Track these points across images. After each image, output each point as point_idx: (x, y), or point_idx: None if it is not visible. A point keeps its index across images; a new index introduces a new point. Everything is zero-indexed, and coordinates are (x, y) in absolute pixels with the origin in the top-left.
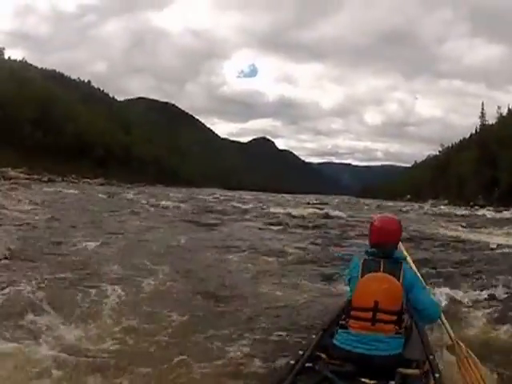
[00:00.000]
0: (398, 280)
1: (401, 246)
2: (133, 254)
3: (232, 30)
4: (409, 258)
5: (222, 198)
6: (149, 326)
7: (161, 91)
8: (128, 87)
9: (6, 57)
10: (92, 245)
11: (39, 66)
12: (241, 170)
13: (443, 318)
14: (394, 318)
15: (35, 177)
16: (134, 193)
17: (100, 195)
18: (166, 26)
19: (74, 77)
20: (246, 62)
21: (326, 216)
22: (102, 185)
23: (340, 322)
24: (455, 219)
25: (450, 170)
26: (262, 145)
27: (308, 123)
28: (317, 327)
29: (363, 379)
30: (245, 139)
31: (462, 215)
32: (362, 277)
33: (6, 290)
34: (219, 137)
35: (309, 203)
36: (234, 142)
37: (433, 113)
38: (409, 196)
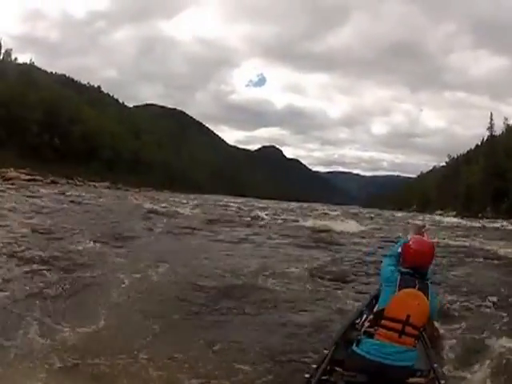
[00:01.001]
0: (427, 299)
1: None
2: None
3: (241, 40)
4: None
5: (232, 205)
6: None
7: (170, 98)
8: (138, 94)
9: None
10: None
11: (49, 71)
12: (249, 177)
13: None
14: (417, 333)
15: (38, 178)
16: (139, 196)
17: (100, 199)
18: (177, 34)
19: (84, 82)
20: (255, 71)
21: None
22: (108, 188)
23: (366, 330)
24: (477, 232)
25: (458, 181)
26: (271, 153)
27: (315, 132)
28: (328, 342)
29: None
30: (253, 147)
31: (480, 227)
32: (398, 291)
33: None
34: (228, 144)
35: (326, 213)
36: (242, 149)
37: (437, 124)
38: (415, 206)
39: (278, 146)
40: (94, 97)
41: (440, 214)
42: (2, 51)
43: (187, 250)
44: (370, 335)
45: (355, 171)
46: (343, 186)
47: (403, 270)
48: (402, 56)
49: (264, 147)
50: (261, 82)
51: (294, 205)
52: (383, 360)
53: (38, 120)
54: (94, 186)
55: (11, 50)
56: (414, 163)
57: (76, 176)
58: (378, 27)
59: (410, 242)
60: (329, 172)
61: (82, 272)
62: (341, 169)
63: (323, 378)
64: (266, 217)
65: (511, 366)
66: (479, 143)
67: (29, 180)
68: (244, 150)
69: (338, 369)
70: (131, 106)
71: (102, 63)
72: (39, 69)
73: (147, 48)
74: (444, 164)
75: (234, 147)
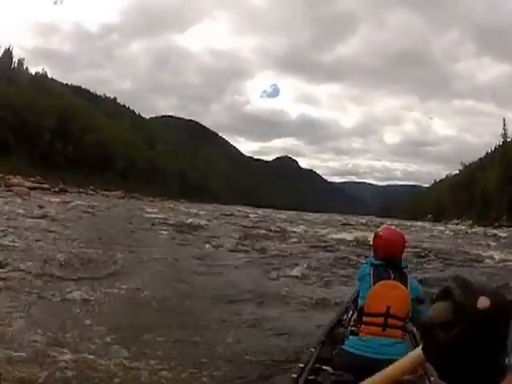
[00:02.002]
0: (406, 288)
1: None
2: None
3: (254, 51)
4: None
5: (255, 216)
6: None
7: (185, 109)
8: (153, 105)
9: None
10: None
11: (64, 82)
12: (265, 187)
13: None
14: (402, 323)
15: (45, 186)
16: (152, 206)
17: (100, 208)
18: (190, 46)
19: (99, 93)
20: (269, 82)
21: None
22: (122, 198)
23: (350, 329)
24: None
25: (473, 189)
26: (286, 163)
27: (329, 142)
28: (315, 340)
29: None
30: (268, 158)
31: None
32: (373, 284)
33: None
34: (244, 155)
35: (347, 224)
36: (258, 160)
37: (447, 132)
38: (430, 216)
39: (292, 157)
40: (110, 107)
41: (457, 224)
42: (15, 60)
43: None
44: (355, 333)
45: (369, 181)
46: (357, 195)
47: (375, 262)
48: (409, 65)
49: (279, 158)
50: (274, 92)
51: (313, 216)
52: (372, 355)
53: (50, 128)
54: (106, 195)
55: (23, 59)
56: (426, 172)
57: (88, 185)
58: (385, 36)
59: (380, 233)
60: (343, 182)
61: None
62: (355, 178)
63: (310, 377)
64: (299, 231)
65: None
66: (489, 150)
67: (34, 188)
68: (260, 160)
69: (325, 367)
70: (147, 117)
71: (117, 75)
72: (53, 79)
73: (162, 60)
74: (457, 172)
75: (250, 158)
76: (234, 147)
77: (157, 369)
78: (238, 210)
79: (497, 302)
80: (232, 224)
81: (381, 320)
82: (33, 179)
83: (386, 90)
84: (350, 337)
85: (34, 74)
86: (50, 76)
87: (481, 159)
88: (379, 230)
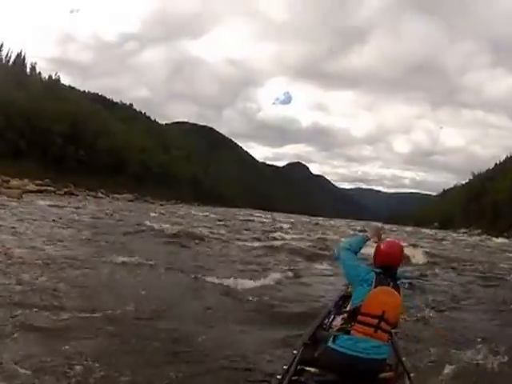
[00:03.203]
0: (400, 297)
1: None
2: None
3: (267, 59)
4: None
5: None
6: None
7: (200, 116)
8: (169, 112)
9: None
10: None
11: (81, 89)
12: (277, 192)
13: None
14: (391, 328)
15: (50, 189)
16: (158, 210)
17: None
18: (204, 54)
19: (116, 100)
20: (281, 89)
21: None
22: (131, 201)
23: (341, 327)
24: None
25: (483, 199)
26: (297, 169)
27: (340, 149)
28: (298, 343)
29: None
30: (280, 163)
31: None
32: (374, 288)
33: None
34: (256, 160)
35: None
36: (270, 165)
37: (456, 142)
38: (436, 224)
39: (304, 163)
40: (126, 113)
41: (465, 233)
42: (28, 65)
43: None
44: (346, 331)
45: (377, 188)
46: (366, 202)
47: (377, 270)
48: (421, 74)
49: (291, 163)
50: (287, 99)
51: (332, 222)
52: (359, 354)
53: (62, 132)
54: (117, 198)
55: (35, 63)
56: (433, 181)
57: (100, 188)
58: (398, 46)
59: (382, 244)
60: (353, 189)
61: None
62: (364, 185)
63: (293, 378)
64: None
65: (475, 364)
66: (498, 162)
67: (39, 191)
68: (272, 166)
69: (308, 368)
70: (163, 123)
71: (133, 83)
72: (64, 85)
73: (176, 68)
74: (465, 182)
75: (263, 163)
76: (247, 153)
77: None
78: (251, 214)
79: None
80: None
81: (375, 321)
82: (40, 182)
83: (398, 98)
84: (340, 335)
85: (46, 78)
86: (67, 83)
87: (490, 170)
88: (382, 241)
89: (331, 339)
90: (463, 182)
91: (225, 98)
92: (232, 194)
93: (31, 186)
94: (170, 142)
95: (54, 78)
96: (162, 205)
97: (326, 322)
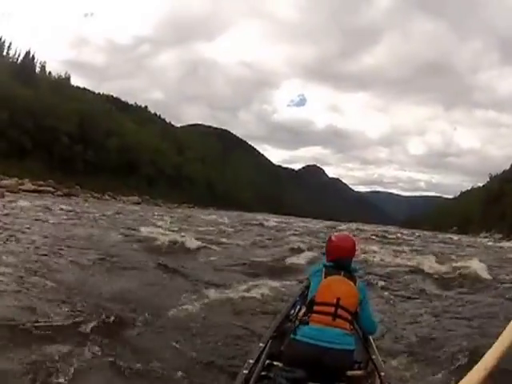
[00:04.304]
0: (354, 286)
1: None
2: None
3: (281, 61)
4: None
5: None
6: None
7: (215, 119)
8: (184, 114)
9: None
10: None
11: (96, 91)
12: (293, 196)
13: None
14: (351, 317)
15: (49, 189)
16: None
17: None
18: (219, 56)
19: (131, 102)
20: (296, 91)
21: None
22: (137, 204)
23: (300, 320)
24: None
25: (503, 200)
26: (313, 172)
27: (355, 152)
28: (264, 336)
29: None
30: (295, 166)
31: None
32: (325, 278)
33: None
34: (272, 163)
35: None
36: (286, 168)
37: (471, 144)
38: (455, 228)
39: (319, 165)
40: (141, 116)
41: (485, 237)
42: (37, 64)
43: None
44: (305, 323)
45: (393, 191)
46: (382, 205)
47: (327, 263)
48: (433, 74)
49: (307, 166)
50: (301, 101)
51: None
52: (321, 343)
53: (69, 132)
54: (123, 201)
55: (45, 62)
56: (449, 183)
57: (108, 190)
58: (410, 46)
59: (333, 237)
60: (369, 192)
61: None
62: (380, 188)
63: (263, 373)
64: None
65: (448, 358)
66: None
67: (36, 191)
68: (288, 169)
69: (276, 363)
70: (178, 125)
71: (147, 86)
72: (80, 88)
73: (191, 70)
74: (482, 184)
75: (279, 166)
76: (263, 155)
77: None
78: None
79: None
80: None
81: (331, 309)
82: (41, 182)
83: (411, 99)
84: (301, 326)
85: (56, 77)
86: (81, 86)
87: (507, 171)
88: (332, 234)
89: (293, 331)
90: (480, 185)
91: (239, 101)
92: (247, 197)
93: (28, 186)
94: (185, 144)
95: (64, 77)
96: (170, 208)
97: (292, 312)
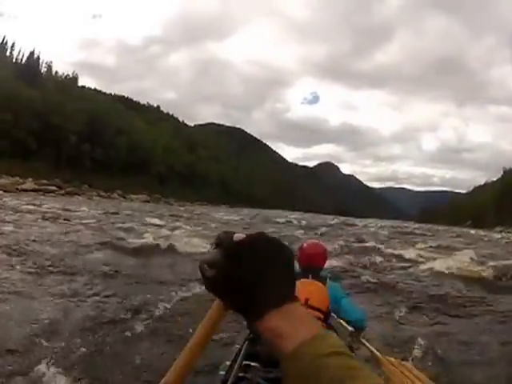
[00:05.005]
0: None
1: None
2: None
3: (294, 60)
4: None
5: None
6: None
7: (229, 117)
8: (197, 114)
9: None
10: None
11: (107, 92)
12: (309, 192)
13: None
14: (322, 316)
15: (51, 188)
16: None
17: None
18: (231, 56)
19: (142, 102)
20: (309, 89)
21: None
22: (146, 202)
23: None
24: None
25: None
26: (328, 169)
27: (369, 149)
28: (242, 337)
29: None
30: (310, 163)
31: None
32: None
33: None
34: (287, 161)
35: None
36: (301, 166)
37: (483, 139)
38: (469, 222)
39: (334, 163)
40: (154, 115)
41: (500, 231)
42: (43, 64)
43: None
44: None
45: (407, 186)
46: (396, 201)
47: (298, 271)
48: (446, 71)
49: (322, 163)
50: (314, 99)
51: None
52: None
53: (77, 130)
54: (131, 199)
55: (51, 62)
56: (462, 178)
57: (117, 189)
58: (422, 43)
59: (304, 245)
60: (383, 188)
61: None
62: (394, 184)
63: (240, 374)
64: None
65: (432, 355)
66: None
67: (35, 190)
68: (303, 166)
69: (253, 364)
70: (192, 124)
71: (159, 86)
72: (92, 89)
73: (203, 70)
74: (496, 178)
75: (294, 164)
76: (278, 153)
77: None
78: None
79: (251, 235)
80: None
81: None
82: (45, 181)
83: (424, 96)
84: None
85: (64, 77)
86: (76, 74)
87: None
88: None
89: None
90: (494, 179)
91: (253, 99)
92: (262, 194)
93: (28, 185)
94: (198, 143)
95: (71, 76)
96: (180, 206)
97: None
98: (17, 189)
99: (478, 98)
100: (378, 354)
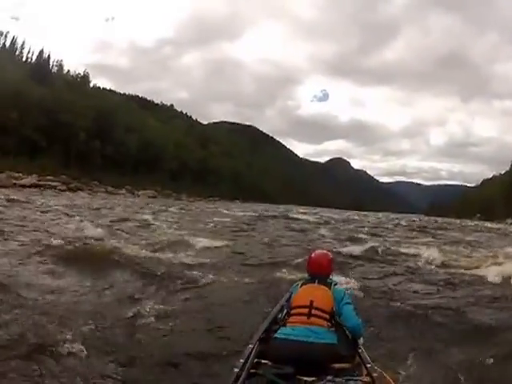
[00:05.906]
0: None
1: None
2: None
3: (303, 59)
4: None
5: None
6: None
7: (241, 116)
8: (210, 113)
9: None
10: None
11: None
12: (320, 188)
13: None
14: (327, 316)
15: (52, 184)
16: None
17: None
18: (242, 55)
19: (156, 101)
20: (318, 87)
21: None
22: (152, 197)
23: (282, 322)
24: None
25: None
26: (339, 165)
27: (378, 144)
28: (253, 337)
29: (303, 378)
30: (321, 159)
31: None
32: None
33: None
34: (299, 157)
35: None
36: (313, 162)
37: (489, 133)
38: (479, 215)
39: (345, 158)
40: (167, 114)
41: (511, 223)
42: (55, 63)
43: None
44: (284, 325)
45: (416, 181)
46: (405, 195)
47: (307, 278)
48: (451, 67)
49: (333, 159)
50: (324, 96)
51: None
52: (301, 338)
53: (86, 127)
54: (137, 195)
55: (61, 60)
56: (470, 172)
57: (127, 185)
58: (428, 40)
59: (313, 254)
60: (393, 182)
61: None
62: (403, 179)
63: (252, 370)
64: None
65: (434, 357)
66: None
67: (36, 185)
68: (314, 162)
69: (264, 361)
70: (205, 123)
71: (173, 86)
72: (107, 90)
73: (215, 70)
74: (504, 171)
75: (306, 160)
76: (290, 150)
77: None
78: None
79: None
80: None
81: (305, 310)
82: (50, 177)
83: (431, 92)
84: (282, 327)
85: (75, 76)
86: (87, 72)
87: None
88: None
89: (275, 333)
90: (502, 172)
91: (264, 97)
92: (274, 190)
93: (27, 181)
94: (211, 140)
95: (82, 75)
96: (189, 201)
97: (279, 316)
98: (14, 184)
99: (483, 93)
100: (370, 364)
